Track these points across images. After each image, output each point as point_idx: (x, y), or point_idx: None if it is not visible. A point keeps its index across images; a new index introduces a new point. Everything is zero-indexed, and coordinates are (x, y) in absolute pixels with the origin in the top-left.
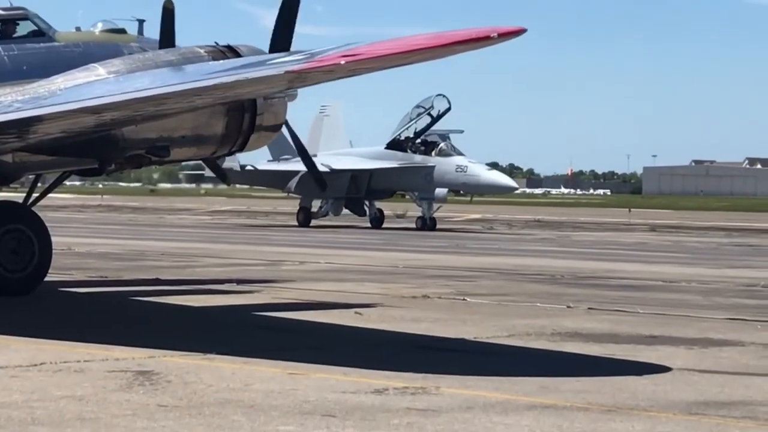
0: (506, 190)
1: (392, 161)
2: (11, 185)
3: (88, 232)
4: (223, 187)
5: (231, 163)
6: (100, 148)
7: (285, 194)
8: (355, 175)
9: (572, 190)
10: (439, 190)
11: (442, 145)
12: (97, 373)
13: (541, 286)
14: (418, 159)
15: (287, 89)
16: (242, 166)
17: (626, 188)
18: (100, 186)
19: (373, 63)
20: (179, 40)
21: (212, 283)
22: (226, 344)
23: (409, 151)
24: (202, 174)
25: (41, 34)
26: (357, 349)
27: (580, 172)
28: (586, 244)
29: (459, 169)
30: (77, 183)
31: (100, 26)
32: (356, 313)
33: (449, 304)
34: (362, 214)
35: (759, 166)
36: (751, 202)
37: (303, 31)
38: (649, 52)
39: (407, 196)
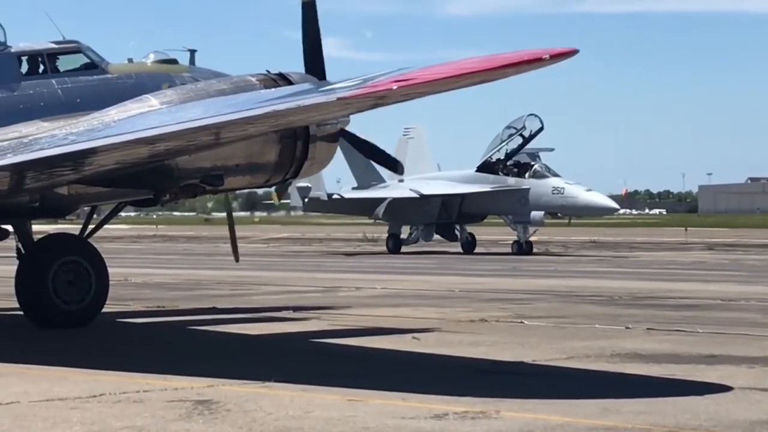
0: (607, 212)
1: (484, 185)
2: (67, 217)
3: (144, 262)
4: (277, 214)
5: (318, 192)
6: (155, 178)
7: (372, 220)
8: (446, 200)
9: (628, 210)
10: (535, 213)
11: (536, 166)
12: (156, 403)
13: (599, 308)
14: (512, 181)
15: (340, 116)
16: (329, 195)
17: (682, 207)
18: (155, 216)
19: (425, 87)
20: (229, 68)
21: (269, 311)
22: (284, 372)
23: (501, 173)
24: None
25: (94, 66)
26: (415, 374)
27: (635, 192)
28: (643, 264)
29: (556, 191)
30: (132, 214)
31: (152, 57)
32: (413, 338)
33: (507, 327)
34: (453, 239)
35: None
36: None
37: (353, 57)
38: (703, 71)
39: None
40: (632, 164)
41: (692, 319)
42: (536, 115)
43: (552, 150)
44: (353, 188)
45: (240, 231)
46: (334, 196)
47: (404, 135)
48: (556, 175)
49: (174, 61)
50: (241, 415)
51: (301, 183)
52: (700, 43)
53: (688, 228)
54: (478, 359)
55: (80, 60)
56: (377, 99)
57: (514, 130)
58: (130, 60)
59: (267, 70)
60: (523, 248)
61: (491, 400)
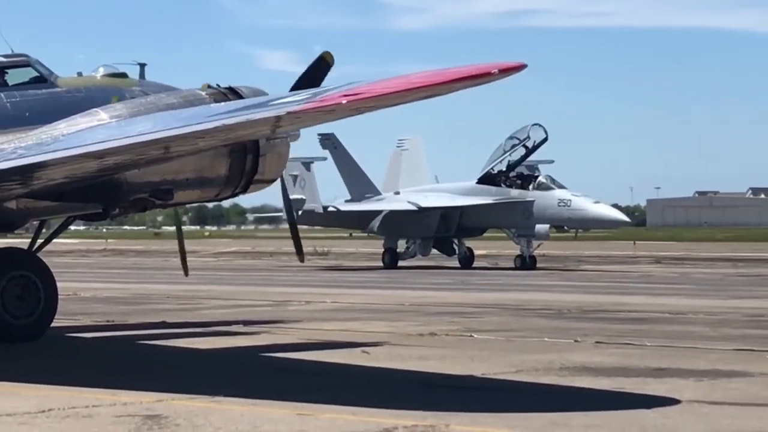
0: (616, 224)
1: (486, 197)
2: (16, 231)
3: (94, 276)
4: (226, 228)
5: (313, 204)
6: (104, 192)
7: (366, 234)
8: (445, 212)
9: None
10: (540, 227)
11: (541, 178)
12: (105, 418)
13: (548, 321)
14: (515, 194)
15: (290, 130)
16: (324, 208)
17: (630, 221)
18: (105, 230)
19: (375, 101)
20: (179, 82)
21: (219, 325)
22: (234, 386)
23: (503, 185)
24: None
25: (43, 80)
26: (365, 388)
27: None
28: (592, 278)
29: (562, 203)
30: (82, 228)
31: (101, 71)
32: (363, 351)
33: (456, 340)
34: (451, 253)
35: (763, 195)
36: (755, 232)
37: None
38: (651, 85)
39: (506, 233)
40: (580, 178)
41: (641, 332)
42: (541, 125)
43: (552, 162)
44: (346, 200)
45: (190, 245)
46: (330, 209)
47: (398, 147)
48: (561, 186)
49: (124, 75)
50: (190, 429)
51: (295, 195)
52: (649, 58)
53: (637, 242)
54: (428, 373)
55: (29, 73)
56: (327, 113)
57: (517, 141)
58: (80, 73)
59: (217, 84)
60: (527, 263)
61: (441, 414)
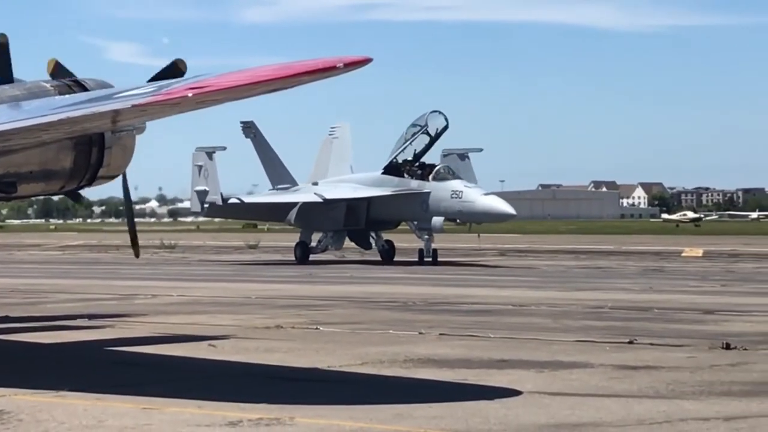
0: (503, 218)
1: (387, 188)
2: None
3: None
4: (72, 221)
5: (213, 196)
6: None
7: (287, 225)
8: (351, 204)
9: None
10: (435, 219)
11: (439, 167)
12: None
13: (394, 313)
14: (414, 184)
15: (135, 122)
16: (225, 199)
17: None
18: None
19: (221, 95)
20: (23, 74)
21: (63, 319)
22: (78, 381)
23: (405, 175)
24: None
25: None
26: (211, 381)
27: None
28: (437, 271)
29: (454, 195)
30: None
31: None
32: (210, 345)
33: (302, 333)
34: (368, 247)
35: (604, 188)
36: (597, 225)
37: (150, 64)
38: (493, 79)
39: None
40: None
41: (485, 324)
42: (440, 112)
43: (480, 150)
44: (269, 190)
45: (35, 238)
46: (231, 200)
47: (330, 135)
48: (457, 177)
49: None
50: (33, 425)
51: (199, 187)
52: (489, 50)
53: (481, 234)
54: (274, 366)
55: None
56: (173, 106)
57: (417, 128)
58: None
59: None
60: (425, 257)
61: (286, 407)
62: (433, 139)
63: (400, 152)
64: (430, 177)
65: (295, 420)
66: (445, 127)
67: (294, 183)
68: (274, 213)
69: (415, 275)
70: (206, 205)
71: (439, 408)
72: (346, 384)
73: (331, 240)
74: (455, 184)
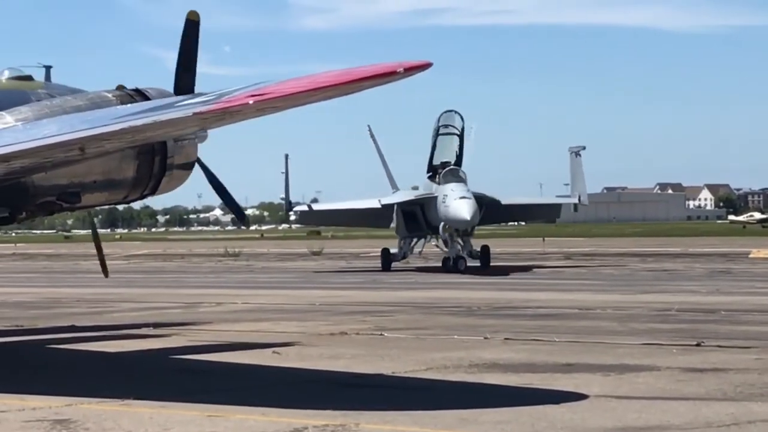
0: (461, 225)
1: (419, 192)
2: None
3: (2, 281)
4: (137, 231)
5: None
6: (11, 196)
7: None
8: (405, 210)
9: None
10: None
11: (447, 170)
12: (13, 424)
13: (458, 319)
14: (434, 188)
15: (197, 131)
16: (309, 206)
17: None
18: (13, 234)
19: (282, 102)
20: (87, 85)
21: (129, 328)
22: (144, 389)
23: (433, 181)
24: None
25: None
26: (276, 388)
27: None
28: (501, 274)
29: (443, 199)
30: None
31: (6, 74)
32: (274, 352)
33: (367, 339)
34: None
35: (670, 191)
36: (663, 227)
37: (211, 72)
38: (558, 82)
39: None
40: (487, 174)
41: (549, 328)
42: (456, 111)
43: (584, 148)
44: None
45: None
46: (321, 207)
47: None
48: (459, 180)
49: (29, 78)
50: None
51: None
52: (555, 53)
53: (546, 238)
54: (338, 372)
55: None
56: (233, 114)
57: (448, 129)
58: None
59: (123, 86)
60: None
61: (351, 413)
62: (462, 138)
63: (433, 155)
64: (438, 180)
65: (360, 426)
66: (463, 126)
67: (395, 187)
68: (366, 219)
69: (479, 280)
70: (294, 212)
71: (505, 413)
72: (411, 390)
73: (406, 246)
74: (445, 188)
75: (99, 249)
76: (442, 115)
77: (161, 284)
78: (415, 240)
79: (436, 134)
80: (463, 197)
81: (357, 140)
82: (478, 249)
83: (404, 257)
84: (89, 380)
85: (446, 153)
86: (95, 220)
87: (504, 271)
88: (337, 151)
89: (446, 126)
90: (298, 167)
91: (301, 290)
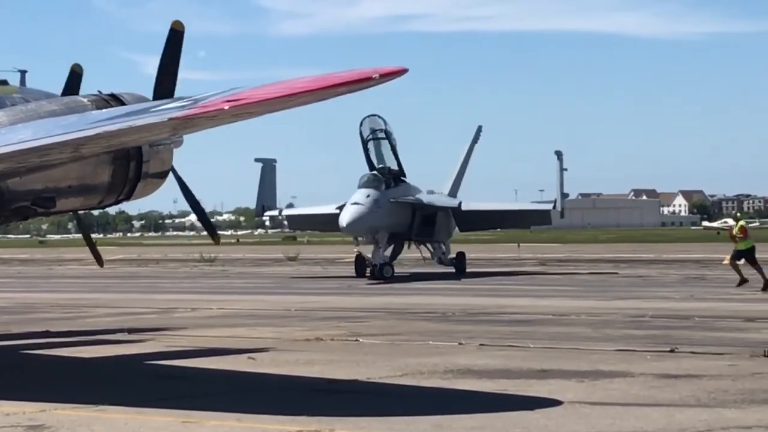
0: (342, 230)
1: None
2: None
3: None
4: (112, 236)
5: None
6: None
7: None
8: None
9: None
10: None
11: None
12: None
13: (433, 324)
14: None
15: (172, 136)
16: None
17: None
18: None
19: (257, 107)
20: (59, 90)
21: (103, 334)
22: (118, 394)
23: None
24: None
25: None
26: (251, 394)
27: None
28: (477, 281)
29: None
30: None
31: None
32: (249, 358)
33: (342, 345)
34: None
35: (644, 197)
36: (637, 233)
37: (186, 77)
38: (533, 89)
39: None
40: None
41: (524, 334)
42: (376, 115)
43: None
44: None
45: (75, 253)
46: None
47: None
48: (370, 186)
49: (4, 82)
50: None
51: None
52: (531, 60)
53: (521, 244)
54: (313, 378)
55: None
56: (209, 119)
57: (378, 135)
58: None
59: (99, 91)
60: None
61: (325, 419)
62: (390, 140)
63: (372, 163)
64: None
65: None
66: (383, 129)
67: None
68: (329, 224)
69: (453, 285)
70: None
71: (480, 419)
72: (386, 396)
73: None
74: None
75: (90, 242)
76: (364, 120)
77: (136, 289)
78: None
79: (366, 142)
80: (355, 203)
81: (337, 144)
82: (453, 255)
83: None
84: (63, 386)
85: (383, 158)
86: (69, 225)
87: (474, 277)
88: (318, 155)
89: (374, 131)
90: (279, 171)
91: (276, 296)
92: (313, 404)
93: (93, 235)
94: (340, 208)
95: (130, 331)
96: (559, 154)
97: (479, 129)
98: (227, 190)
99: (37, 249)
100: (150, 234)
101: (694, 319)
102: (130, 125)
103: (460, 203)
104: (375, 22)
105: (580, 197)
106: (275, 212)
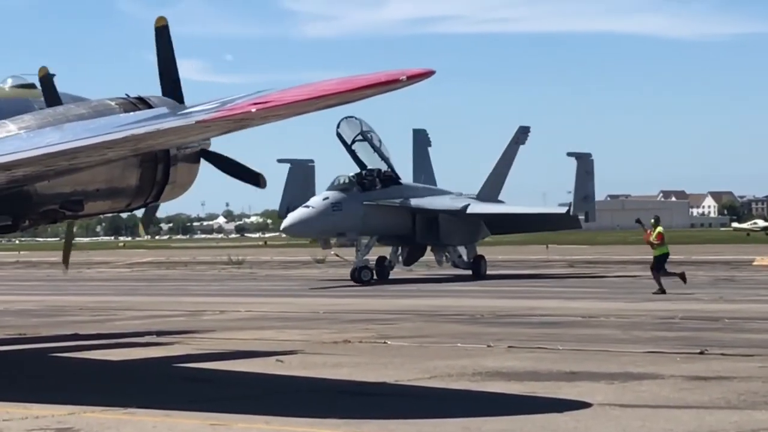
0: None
1: None
2: None
3: (5, 289)
4: (141, 238)
5: None
6: (13, 204)
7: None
8: None
9: None
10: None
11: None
12: None
13: (461, 326)
14: None
15: (199, 139)
16: None
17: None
18: (16, 242)
19: (285, 110)
20: (88, 93)
21: (132, 336)
22: (147, 397)
23: None
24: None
25: None
26: (279, 396)
27: None
28: (505, 282)
29: None
30: None
31: (9, 82)
32: (277, 360)
33: (370, 347)
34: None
35: (673, 198)
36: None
37: (213, 80)
38: (557, 89)
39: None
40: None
41: (553, 336)
42: (355, 117)
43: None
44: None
45: (104, 256)
46: None
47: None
48: (338, 188)
49: (32, 86)
50: None
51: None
52: (555, 61)
53: (549, 245)
54: (342, 380)
55: None
56: (236, 122)
57: (362, 137)
58: None
59: (126, 94)
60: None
61: (353, 422)
62: (369, 140)
63: (364, 165)
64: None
65: None
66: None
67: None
68: None
69: (482, 288)
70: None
71: (508, 421)
72: (415, 398)
73: (393, 255)
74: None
75: (68, 245)
76: (341, 122)
77: (164, 292)
78: (399, 249)
79: (350, 145)
80: (306, 206)
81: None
82: (469, 258)
83: (389, 266)
84: (92, 388)
85: (371, 160)
86: (98, 227)
87: (492, 278)
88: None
89: (360, 133)
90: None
91: (304, 298)
92: (341, 407)
93: (121, 238)
94: None
95: (159, 333)
96: (577, 157)
97: (523, 129)
98: (255, 192)
99: None
100: (178, 237)
101: (723, 321)
102: (157, 128)
103: (466, 206)
104: (401, 24)
105: (608, 199)
106: None
